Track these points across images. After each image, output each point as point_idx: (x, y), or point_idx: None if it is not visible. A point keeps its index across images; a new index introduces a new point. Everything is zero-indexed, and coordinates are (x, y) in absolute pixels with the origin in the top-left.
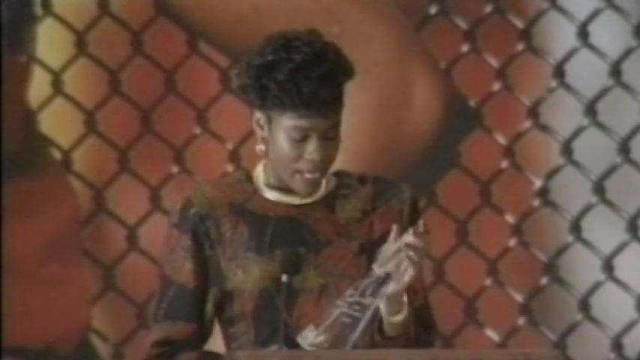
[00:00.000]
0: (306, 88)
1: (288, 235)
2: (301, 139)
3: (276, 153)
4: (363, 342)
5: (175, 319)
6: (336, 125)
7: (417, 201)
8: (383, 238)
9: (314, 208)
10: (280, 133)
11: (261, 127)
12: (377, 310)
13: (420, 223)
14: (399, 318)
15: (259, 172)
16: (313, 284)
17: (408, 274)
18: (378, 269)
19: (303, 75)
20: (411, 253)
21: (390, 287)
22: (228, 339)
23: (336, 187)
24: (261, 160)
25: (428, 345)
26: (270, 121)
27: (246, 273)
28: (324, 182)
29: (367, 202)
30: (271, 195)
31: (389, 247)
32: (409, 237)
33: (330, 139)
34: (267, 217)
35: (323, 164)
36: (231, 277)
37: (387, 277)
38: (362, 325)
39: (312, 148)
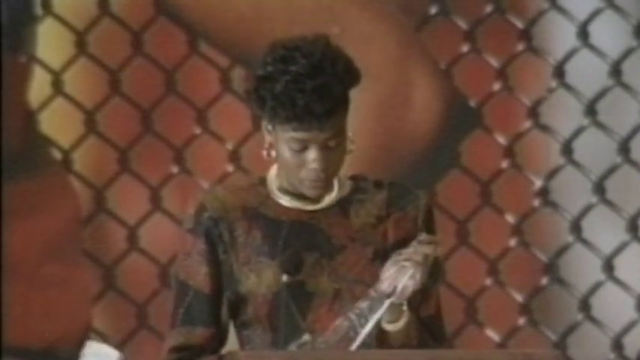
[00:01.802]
0: (300, 101)
1: (302, 240)
2: (301, 150)
3: (281, 161)
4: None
5: (194, 324)
6: (337, 135)
7: (432, 208)
8: (397, 245)
9: (327, 214)
10: (282, 143)
11: (269, 133)
12: (378, 324)
13: (422, 235)
14: (396, 326)
15: (272, 177)
16: (327, 289)
17: (407, 289)
18: (382, 285)
19: (298, 88)
20: (407, 264)
21: (391, 300)
22: (242, 342)
23: (351, 192)
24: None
25: None
26: (274, 128)
27: (259, 277)
28: (336, 186)
29: (382, 208)
30: (284, 200)
31: (393, 260)
32: (409, 249)
33: (331, 148)
34: (280, 221)
35: (325, 173)
36: (244, 281)
37: (393, 292)
38: (359, 339)
39: (311, 159)
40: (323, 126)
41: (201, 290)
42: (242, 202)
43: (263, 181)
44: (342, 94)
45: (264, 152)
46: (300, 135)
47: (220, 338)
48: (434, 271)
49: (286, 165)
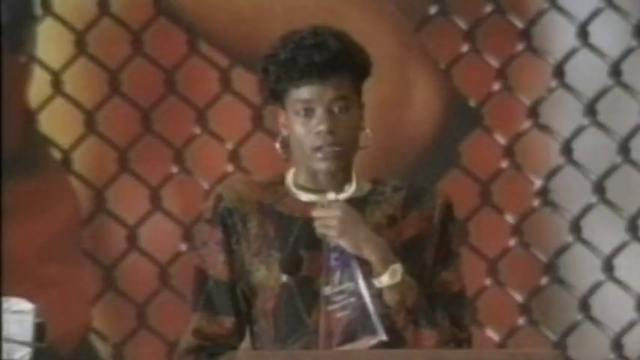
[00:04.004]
0: (301, 58)
1: (314, 238)
2: (307, 114)
3: (294, 140)
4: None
5: (216, 312)
6: (341, 99)
7: (451, 208)
8: (410, 243)
9: None
10: (291, 116)
11: (285, 126)
12: (372, 287)
13: (328, 195)
14: (381, 282)
15: (290, 175)
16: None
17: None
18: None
19: (299, 48)
20: (319, 224)
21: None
22: (252, 337)
23: (368, 193)
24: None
25: (455, 339)
26: (286, 112)
27: (269, 270)
28: (354, 183)
29: (398, 209)
30: (302, 195)
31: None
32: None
33: (337, 113)
34: (294, 218)
35: (333, 137)
36: (254, 273)
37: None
38: (371, 307)
39: (317, 121)
40: (324, 82)
41: (221, 279)
42: (258, 198)
43: (282, 180)
44: (342, 52)
45: (278, 145)
46: (303, 94)
47: (241, 328)
48: (439, 257)
49: (298, 141)
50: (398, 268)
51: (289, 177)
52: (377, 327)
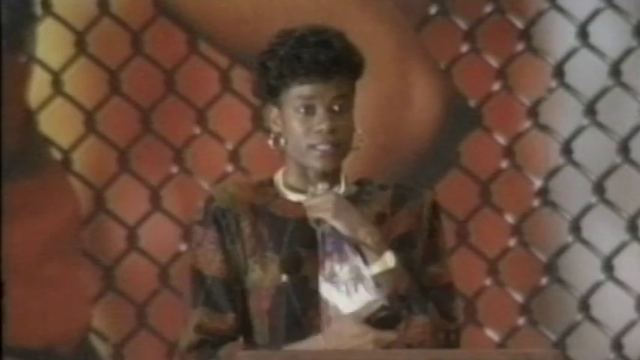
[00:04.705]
0: (305, 55)
1: (307, 237)
2: (308, 111)
3: (290, 137)
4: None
5: (216, 310)
6: (342, 98)
7: (438, 205)
8: (400, 241)
9: None
10: (289, 113)
11: (276, 123)
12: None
13: (319, 185)
14: (373, 270)
15: (279, 176)
16: None
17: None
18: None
19: (302, 45)
20: (313, 209)
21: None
22: (245, 336)
23: (357, 194)
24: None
25: (443, 329)
26: (281, 109)
27: (264, 270)
28: (343, 184)
29: (386, 207)
30: (291, 196)
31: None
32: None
33: (337, 112)
34: (286, 218)
35: (333, 136)
36: (249, 273)
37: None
38: (368, 272)
39: (318, 119)
40: (328, 79)
41: (218, 277)
42: (250, 199)
43: (271, 182)
44: (345, 52)
45: (271, 142)
46: (305, 91)
47: (240, 325)
48: (428, 253)
49: (295, 137)
50: (391, 254)
51: (278, 177)
52: (376, 291)
